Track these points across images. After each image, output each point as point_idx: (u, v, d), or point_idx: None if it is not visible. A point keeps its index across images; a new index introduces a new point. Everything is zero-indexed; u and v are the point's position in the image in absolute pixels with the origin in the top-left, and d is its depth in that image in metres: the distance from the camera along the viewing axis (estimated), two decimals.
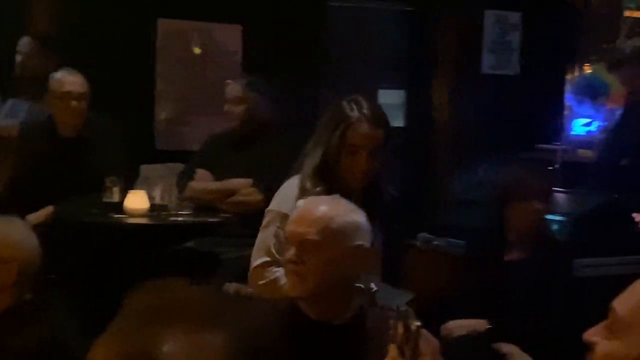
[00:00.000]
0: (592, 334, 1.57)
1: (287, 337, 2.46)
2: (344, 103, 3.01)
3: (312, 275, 2.41)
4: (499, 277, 3.69)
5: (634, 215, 4.35)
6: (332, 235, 2.41)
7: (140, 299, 1.34)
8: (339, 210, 2.47)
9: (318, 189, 2.93)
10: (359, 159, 2.97)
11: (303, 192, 2.93)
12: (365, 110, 2.99)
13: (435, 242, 4.84)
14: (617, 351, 1.49)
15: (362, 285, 2.71)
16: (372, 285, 2.99)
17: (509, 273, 3.68)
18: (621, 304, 1.53)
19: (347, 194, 2.64)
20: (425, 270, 4.68)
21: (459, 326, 3.65)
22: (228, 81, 4.80)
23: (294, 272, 2.44)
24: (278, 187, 4.17)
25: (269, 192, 4.31)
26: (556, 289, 3.61)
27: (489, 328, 3.58)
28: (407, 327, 1.70)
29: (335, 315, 2.46)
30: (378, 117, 3.01)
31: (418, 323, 1.69)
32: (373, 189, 3.03)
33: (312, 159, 3.02)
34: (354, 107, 3.00)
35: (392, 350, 1.73)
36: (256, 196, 4.42)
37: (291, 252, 2.44)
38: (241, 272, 3.72)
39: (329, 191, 2.81)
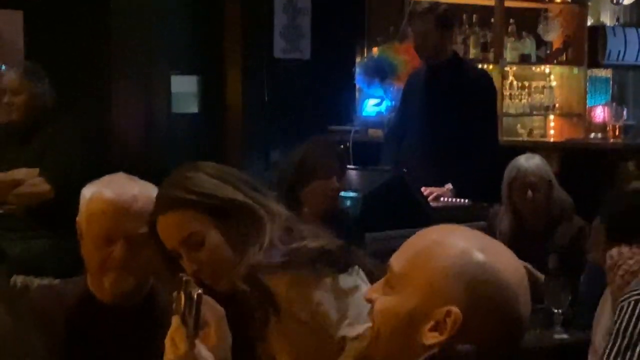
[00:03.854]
0: (373, 291, 1.60)
1: (79, 321, 2.36)
2: None
3: (141, 268, 2.28)
4: None
5: (424, 189, 4.50)
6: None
7: None
8: (146, 189, 2.28)
9: None
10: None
11: None
12: None
13: None
14: (393, 305, 1.52)
15: None
16: None
17: None
18: (396, 259, 1.56)
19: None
20: None
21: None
22: (3, 69, 4.60)
23: (121, 268, 2.24)
24: (65, 176, 4.06)
25: (56, 182, 4.23)
26: None
27: None
28: (188, 297, 1.65)
29: (131, 298, 2.36)
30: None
31: (199, 291, 1.65)
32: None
33: None
34: None
35: (175, 321, 1.68)
36: (43, 186, 4.28)
37: (118, 250, 2.23)
38: (28, 266, 3.58)
39: None
